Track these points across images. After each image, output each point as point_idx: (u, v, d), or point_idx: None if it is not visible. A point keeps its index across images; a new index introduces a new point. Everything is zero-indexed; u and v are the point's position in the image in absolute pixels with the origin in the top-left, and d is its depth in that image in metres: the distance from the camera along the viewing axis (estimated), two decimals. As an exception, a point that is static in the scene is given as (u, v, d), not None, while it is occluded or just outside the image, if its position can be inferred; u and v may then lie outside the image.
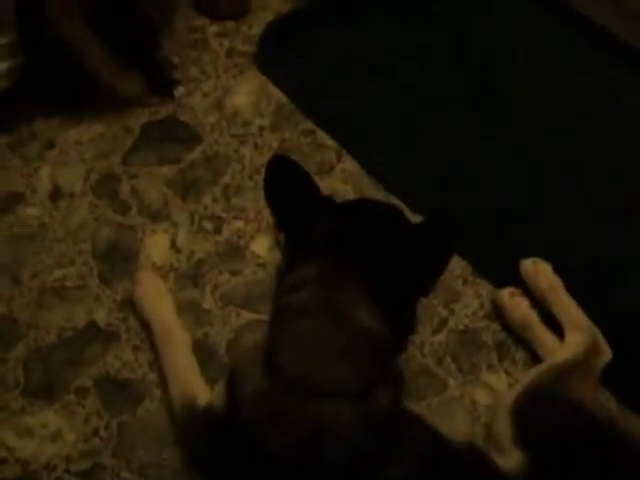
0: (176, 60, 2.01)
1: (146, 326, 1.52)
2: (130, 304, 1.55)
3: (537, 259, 1.59)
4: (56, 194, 1.75)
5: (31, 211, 1.71)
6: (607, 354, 1.46)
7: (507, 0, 2.20)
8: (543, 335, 1.51)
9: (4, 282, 1.59)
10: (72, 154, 1.83)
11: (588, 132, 1.90)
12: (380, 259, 1.22)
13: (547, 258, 1.59)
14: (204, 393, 1.36)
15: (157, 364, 1.47)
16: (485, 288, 1.61)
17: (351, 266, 1.20)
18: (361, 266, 1.21)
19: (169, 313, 1.51)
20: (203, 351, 1.49)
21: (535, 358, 1.51)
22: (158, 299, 1.54)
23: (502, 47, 2.09)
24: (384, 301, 1.19)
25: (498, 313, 1.57)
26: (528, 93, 1.98)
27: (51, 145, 1.85)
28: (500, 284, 1.59)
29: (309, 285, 1.18)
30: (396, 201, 1.70)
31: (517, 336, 1.54)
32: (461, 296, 1.60)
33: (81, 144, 1.85)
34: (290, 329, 1.18)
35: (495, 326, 1.56)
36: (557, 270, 1.57)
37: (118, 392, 1.46)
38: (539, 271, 1.57)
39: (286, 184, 1.25)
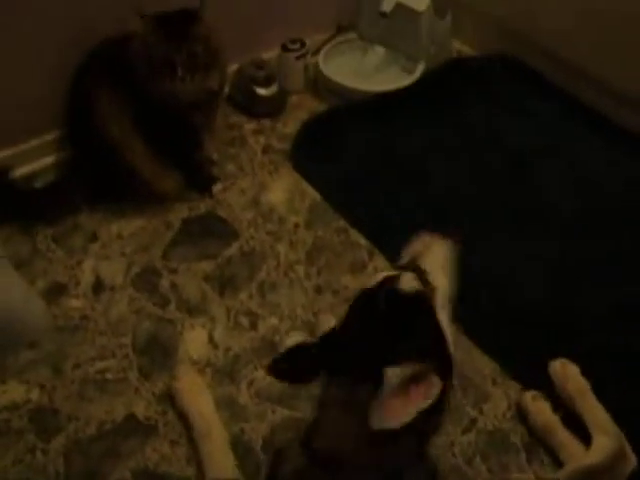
0: (215, 157, 2.11)
1: (184, 420, 1.55)
2: (169, 398, 1.59)
3: (565, 361, 1.62)
4: (98, 286, 1.82)
5: (74, 303, 1.77)
6: (632, 461, 1.47)
7: (539, 106, 2.29)
8: (565, 440, 1.53)
9: (47, 373, 1.64)
10: (114, 247, 1.90)
11: (620, 232, 1.96)
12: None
13: (575, 360, 1.62)
14: (240, 488, 1.40)
15: (195, 458, 1.50)
16: (514, 389, 1.64)
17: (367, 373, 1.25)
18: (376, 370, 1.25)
19: (208, 409, 1.55)
20: (239, 447, 1.52)
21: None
22: (197, 395, 1.58)
23: (532, 151, 2.17)
24: None
25: (523, 415, 1.59)
26: (558, 195, 2.04)
27: (94, 238, 1.92)
28: (529, 385, 1.62)
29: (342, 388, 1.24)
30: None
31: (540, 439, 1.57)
32: (490, 397, 1.63)
33: (123, 238, 1.93)
34: (327, 416, 1.23)
35: (523, 427, 1.58)
36: (585, 373, 1.60)
37: (156, 485, 1.49)
38: (567, 373, 1.60)
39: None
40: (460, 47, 2.56)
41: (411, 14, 2.28)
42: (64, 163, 2.06)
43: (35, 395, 1.61)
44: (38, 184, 2.02)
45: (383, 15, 2.29)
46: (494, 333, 1.72)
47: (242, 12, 2.18)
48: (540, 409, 1.57)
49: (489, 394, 1.63)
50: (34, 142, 2.06)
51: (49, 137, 2.07)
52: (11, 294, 1.04)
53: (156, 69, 1.76)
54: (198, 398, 1.56)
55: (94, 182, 1.97)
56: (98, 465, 1.51)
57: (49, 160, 2.08)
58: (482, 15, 2.45)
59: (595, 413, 1.53)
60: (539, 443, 1.56)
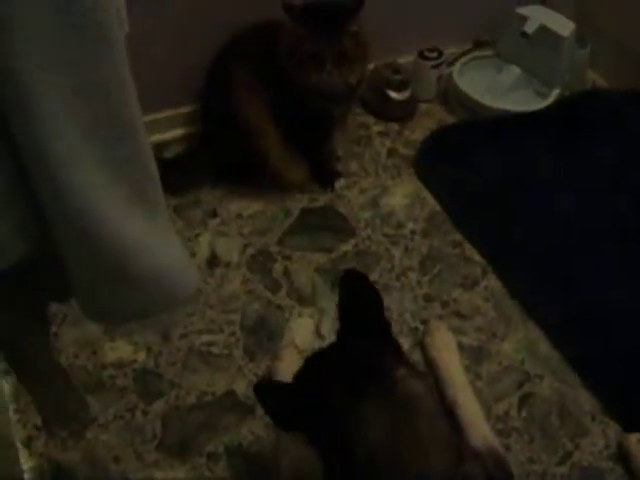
0: (340, 153, 2.13)
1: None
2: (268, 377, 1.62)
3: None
4: (213, 262, 1.86)
5: (188, 274, 1.81)
6: None
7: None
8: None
9: (155, 338, 1.69)
10: (232, 226, 1.94)
11: None
12: None
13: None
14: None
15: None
16: (613, 429, 1.60)
17: None
18: None
19: None
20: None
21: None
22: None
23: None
24: None
25: (623, 457, 1.56)
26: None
27: (214, 214, 1.97)
28: (628, 428, 1.59)
29: None
30: (535, 327, 1.75)
31: (641, 483, 1.53)
32: (588, 432, 1.60)
33: (241, 218, 1.97)
34: None
35: (619, 469, 1.55)
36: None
37: (247, 464, 1.52)
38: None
39: None
40: (595, 78, 2.52)
41: (554, 38, 2.25)
42: (194, 137, 2.12)
43: (141, 357, 1.66)
44: (167, 154, 2.08)
45: (525, 35, 2.27)
46: (600, 370, 1.69)
47: (382, 15, 2.17)
48: (644, 453, 1.53)
49: (587, 429, 1.60)
50: (168, 113, 2.11)
51: (183, 110, 2.13)
52: (172, 251, 1.03)
53: (303, 62, 1.78)
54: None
55: (220, 160, 2.02)
56: (194, 434, 1.55)
57: (180, 132, 2.14)
58: (622, 49, 2.41)
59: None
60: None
